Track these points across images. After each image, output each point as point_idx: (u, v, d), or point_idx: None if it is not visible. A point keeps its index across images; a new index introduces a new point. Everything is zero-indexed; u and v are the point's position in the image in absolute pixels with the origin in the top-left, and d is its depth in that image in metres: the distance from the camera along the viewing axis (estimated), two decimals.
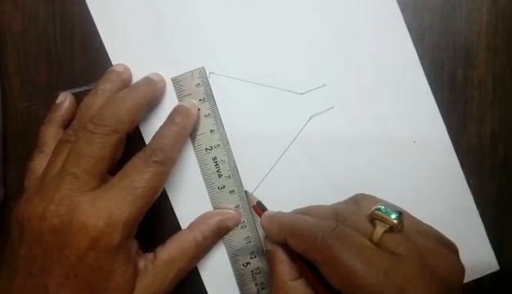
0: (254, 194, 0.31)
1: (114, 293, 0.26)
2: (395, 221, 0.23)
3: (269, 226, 0.28)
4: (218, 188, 0.31)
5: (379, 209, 0.24)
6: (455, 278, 0.23)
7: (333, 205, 0.28)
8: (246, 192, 0.31)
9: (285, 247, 0.27)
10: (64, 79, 0.32)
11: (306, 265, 0.25)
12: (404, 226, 0.24)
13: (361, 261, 0.22)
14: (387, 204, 0.24)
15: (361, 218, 0.25)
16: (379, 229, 0.23)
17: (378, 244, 0.23)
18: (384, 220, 0.23)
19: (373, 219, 0.24)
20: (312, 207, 0.29)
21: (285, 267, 0.26)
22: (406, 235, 0.24)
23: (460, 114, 0.32)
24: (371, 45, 0.31)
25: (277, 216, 0.28)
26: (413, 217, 0.25)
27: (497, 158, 0.32)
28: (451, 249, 0.24)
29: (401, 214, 0.24)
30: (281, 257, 0.27)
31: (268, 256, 0.28)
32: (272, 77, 0.31)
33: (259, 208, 0.30)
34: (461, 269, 0.23)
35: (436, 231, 0.25)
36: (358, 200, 0.27)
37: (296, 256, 0.26)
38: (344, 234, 0.23)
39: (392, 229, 0.23)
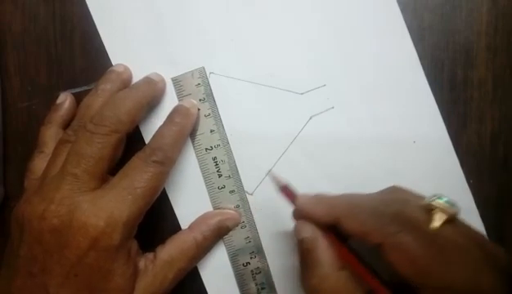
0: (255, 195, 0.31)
1: (114, 293, 0.26)
2: (455, 211, 0.23)
3: (315, 206, 0.26)
4: (218, 188, 0.31)
5: (436, 199, 0.24)
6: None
7: (371, 194, 0.26)
8: (271, 172, 0.29)
9: (328, 235, 0.25)
10: (64, 79, 0.32)
11: (353, 254, 0.24)
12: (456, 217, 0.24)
13: (425, 246, 0.22)
14: (439, 194, 0.24)
15: (415, 208, 0.24)
16: (439, 219, 0.23)
17: (436, 233, 0.23)
18: (443, 211, 0.23)
19: (430, 209, 0.24)
20: (350, 194, 0.27)
21: (329, 256, 0.24)
22: (462, 226, 0.24)
23: (460, 114, 0.32)
24: (371, 45, 0.31)
25: (322, 197, 0.26)
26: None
27: (497, 158, 0.32)
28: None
29: (456, 204, 0.24)
30: (325, 245, 0.25)
31: (305, 246, 0.25)
32: (272, 77, 0.31)
33: (287, 191, 0.28)
34: None
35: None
36: (400, 192, 0.26)
37: (341, 245, 0.24)
38: (412, 220, 0.23)
39: (450, 220, 0.23)
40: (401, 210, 0.24)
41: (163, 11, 0.31)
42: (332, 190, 0.31)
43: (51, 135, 0.30)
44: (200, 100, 0.31)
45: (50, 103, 0.31)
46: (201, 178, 0.31)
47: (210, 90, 0.31)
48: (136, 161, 0.27)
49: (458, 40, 0.32)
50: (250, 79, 0.31)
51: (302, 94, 0.31)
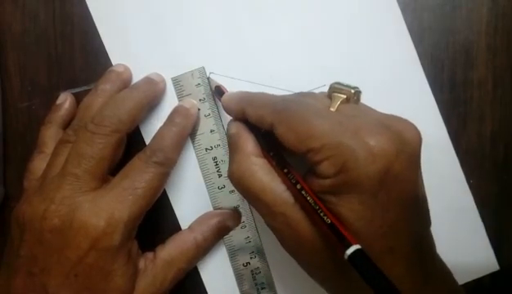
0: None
1: (114, 293, 0.26)
2: (352, 91, 0.24)
3: (228, 101, 0.27)
4: (218, 188, 0.31)
5: (337, 82, 0.25)
6: (411, 134, 0.23)
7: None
8: (208, 78, 0.31)
9: (252, 130, 0.26)
10: (64, 79, 0.32)
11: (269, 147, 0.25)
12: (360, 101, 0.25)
13: (317, 116, 0.22)
14: (346, 82, 0.25)
15: (320, 95, 0.25)
16: (336, 99, 0.24)
17: (337, 111, 0.23)
18: (340, 92, 0.24)
19: (331, 93, 0.24)
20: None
21: (249, 144, 0.25)
22: (363, 105, 0.25)
23: (460, 114, 0.32)
24: (371, 45, 0.31)
25: (238, 92, 0.28)
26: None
27: (497, 158, 0.32)
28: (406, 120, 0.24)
29: (357, 87, 0.24)
30: (246, 135, 0.25)
31: (231, 138, 0.26)
32: (272, 78, 0.31)
33: (220, 92, 0.29)
34: (417, 130, 0.23)
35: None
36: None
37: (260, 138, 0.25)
38: (304, 100, 0.24)
39: (348, 99, 0.24)
40: (300, 95, 0.25)
41: (163, 11, 0.31)
42: None
43: (51, 135, 0.30)
44: (200, 100, 0.31)
45: (50, 103, 0.31)
46: (201, 178, 0.31)
47: (210, 90, 0.31)
48: (136, 161, 0.27)
49: (458, 40, 0.32)
50: (250, 79, 0.31)
51: None
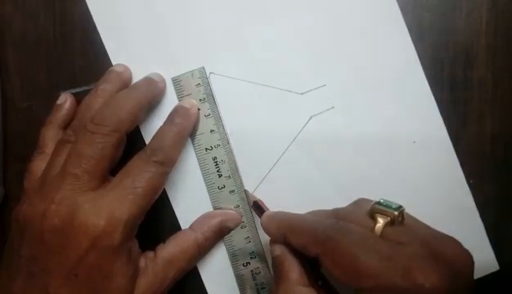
0: (254, 194, 0.31)
1: (114, 293, 0.26)
2: (396, 213, 0.23)
3: (268, 224, 0.27)
4: (218, 188, 0.31)
5: (378, 203, 0.24)
6: (463, 264, 0.22)
7: (333, 209, 0.28)
8: (246, 191, 0.31)
9: (296, 254, 0.26)
10: (64, 79, 0.32)
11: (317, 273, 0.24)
12: (405, 220, 0.24)
13: (364, 249, 0.21)
14: (386, 199, 0.24)
15: (361, 215, 0.24)
16: (380, 222, 0.23)
17: (381, 236, 0.23)
18: (384, 213, 0.23)
19: (373, 214, 0.24)
20: (312, 211, 0.28)
21: (295, 272, 0.25)
22: (408, 227, 0.23)
23: (460, 114, 0.32)
24: (371, 45, 0.31)
25: (277, 214, 0.28)
26: (413, 216, 0.25)
27: (497, 158, 0.32)
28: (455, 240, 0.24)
29: (401, 206, 0.23)
30: (291, 261, 0.25)
31: (276, 262, 0.26)
32: (272, 78, 0.31)
33: (258, 207, 0.30)
34: (469, 256, 0.22)
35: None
36: (358, 202, 0.26)
37: (306, 263, 0.25)
38: (346, 227, 0.23)
39: (393, 221, 0.23)
40: (341, 221, 0.24)
41: (163, 10, 0.31)
42: (332, 190, 0.31)
43: (51, 135, 0.30)
44: (200, 100, 0.31)
45: (50, 103, 0.31)
46: (201, 178, 0.31)
47: (210, 90, 0.31)
48: (136, 161, 0.27)
49: (458, 40, 0.32)
50: (250, 79, 0.31)
51: (302, 94, 0.31)
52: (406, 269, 0.21)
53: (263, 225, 0.28)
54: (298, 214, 0.27)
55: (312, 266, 0.24)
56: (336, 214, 0.26)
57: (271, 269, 0.32)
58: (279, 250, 0.26)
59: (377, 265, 0.21)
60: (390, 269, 0.21)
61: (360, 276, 0.21)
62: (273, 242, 0.27)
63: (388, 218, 0.23)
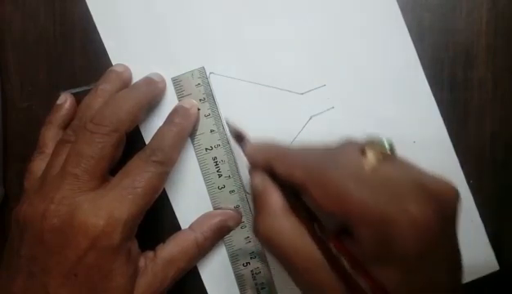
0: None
1: (114, 293, 0.26)
2: (386, 146, 0.23)
3: (254, 152, 0.26)
4: (218, 188, 0.31)
5: (370, 139, 0.24)
6: (450, 197, 0.22)
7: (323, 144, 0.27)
8: (227, 120, 0.30)
9: (277, 183, 0.25)
10: (64, 79, 0.32)
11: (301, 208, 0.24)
12: (396, 158, 0.24)
13: (353, 179, 0.21)
14: (375, 135, 0.24)
15: (353, 150, 0.23)
16: (372, 157, 0.23)
17: (372, 172, 0.22)
18: (374, 148, 0.23)
19: (364, 149, 0.23)
20: (301, 144, 0.27)
21: (277, 201, 0.24)
22: (399, 162, 0.23)
23: (460, 114, 0.32)
24: (371, 45, 0.31)
25: (264, 143, 0.27)
26: (403, 157, 0.25)
27: (497, 158, 0.32)
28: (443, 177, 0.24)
29: (391, 142, 0.23)
30: (273, 189, 0.24)
31: (256, 191, 0.25)
32: (272, 78, 0.31)
33: (239, 136, 0.29)
34: (456, 191, 0.22)
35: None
36: (349, 139, 0.26)
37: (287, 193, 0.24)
38: (336, 157, 0.23)
39: (384, 157, 0.23)
40: (331, 154, 0.24)
41: (163, 10, 0.31)
42: None
43: (51, 135, 0.30)
44: (200, 100, 0.31)
45: (50, 103, 0.31)
46: (201, 178, 0.31)
47: (210, 90, 0.31)
48: (136, 161, 0.27)
49: (458, 40, 0.32)
50: (250, 79, 0.31)
51: (302, 94, 0.31)
52: (396, 198, 0.21)
53: (248, 155, 0.27)
54: (285, 144, 0.26)
55: (293, 194, 0.24)
56: (326, 148, 0.25)
57: (271, 269, 0.32)
58: (260, 178, 0.25)
59: (366, 194, 0.21)
60: (379, 198, 0.21)
61: (348, 204, 0.21)
62: (253, 170, 0.26)
63: (379, 152, 0.23)
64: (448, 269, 0.22)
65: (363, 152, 0.23)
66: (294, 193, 0.24)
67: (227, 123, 0.30)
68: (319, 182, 0.22)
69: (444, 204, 0.21)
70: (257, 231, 0.24)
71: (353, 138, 0.25)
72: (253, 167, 0.27)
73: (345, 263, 0.21)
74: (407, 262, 0.20)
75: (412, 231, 0.20)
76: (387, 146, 0.23)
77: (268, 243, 0.23)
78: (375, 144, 0.23)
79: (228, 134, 0.31)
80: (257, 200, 0.25)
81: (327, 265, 0.22)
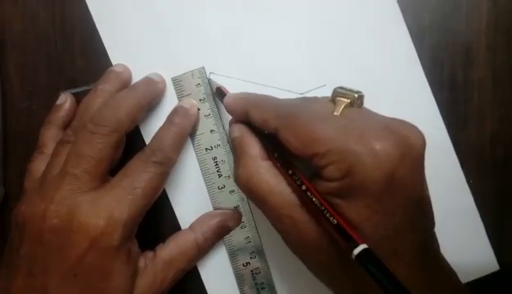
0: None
1: (114, 293, 0.26)
2: (355, 95, 0.24)
3: (232, 102, 0.28)
4: (218, 188, 0.31)
5: (340, 87, 0.25)
6: (415, 138, 0.23)
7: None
8: (209, 80, 0.31)
9: (254, 132, 0.26)
10: (64, 79, 0.32)
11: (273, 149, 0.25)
12: (364, 106, 0.25)
13: (321, 120, 0.23)
14: (347, 86, 0.25)
15: (324, 99, 0.25)
16: (340, 103, 0.24)
17: (341, 116, 0.24)
18: (345, 96, 0.24)
19: (335, 98, 0.25)
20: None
21: (255, 148, 0.25)
22: (366, 109, 0.25)
23: (460, 114, 0.32)
24: (371, 45, 0.31)
25: (241, 93, 0.28)
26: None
27: (497, 158, 0.32)
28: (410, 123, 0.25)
29: (360, 91, 0.25)
30: (250, 138, 0.26)
31: (236, 141, 0.27)
32: (272, 78, 0.31)
33: (221, 93, 0.29)
34: (421, 134, 0.23)
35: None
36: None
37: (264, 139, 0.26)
38: (308, 105, 0.24)
39: (352, 104, 0.24)
40: (303, 100, 0.25)
41: (163, 11, 0.31)
42: None
43: (51, 136, 0.30)
44: (200, 100, 0.31)
45: (50, 103, 0.31)
46: (201, 178, 0.31)
47: (210, 90, 0.31)
48: (136, 161, 0.27)
49: (458, 40, 0.32)
50: (250, 79, 0.31)
51: (302, 94, 0.31)
52: (361, 135, 0.22)
53: (226, 106, 0.28)
54: (262, 94, 0.28)
55: (270, 143, 0.25)
56: (302, 98, 0.27)
57: (271, 269, 0.32)
58: (238, 130, 0.27)
59: (332, 132, 0.22)
60: (345, 135, 0.22)
61: (314, 142, 0.22)
62: (233, 123, 0.28)
63: (348, 100, 0.24)
64: (417, 216, 0.22)
65: (334, 100, 0.25)
66: (271, 141, 0.25)
67: (209, 80, 0.31)
68: (290, 126, 0.23)
69: (410, 147, 0.22)
70: (237, 178, 0.25)
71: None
72: (233, 116, 0.28)
73: (317, 204, 0.22)
74: (371, 197, 0.21)
75: (375, 165, 0.21)
76: (356, 95, 0.24)
77: (248, 189, 0.25)
78: (344, 91, 0.25)
79: (228, 134, 0.31)
80: (236, 149, 0.26)
81: (301, 206, 0.23)
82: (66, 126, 0.30)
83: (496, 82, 0.32)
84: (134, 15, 0.31)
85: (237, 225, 0.31)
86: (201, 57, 0.31)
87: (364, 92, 0.31)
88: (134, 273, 0.27)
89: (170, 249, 0.29)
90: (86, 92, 0.30)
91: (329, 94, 0.31)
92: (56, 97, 0.31)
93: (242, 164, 0.25)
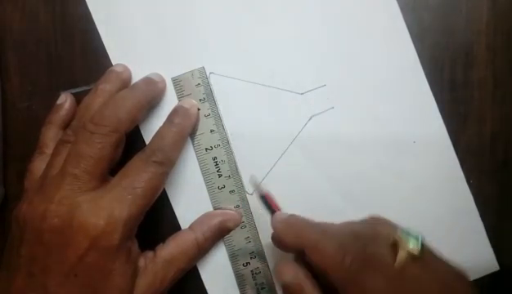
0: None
1: (114, 293, 0.26)
2: (417, 248, 0.23)
3: (285, 232, 0.27)
4: (218, 188, 0.31)
5: (400, 235, 0.24)
6: None
7: (346, 224, 0.27)
8: (252, 176, 0.30)
9: (313, 277, 0.25)
10: (64, 79, 0.32)
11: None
12: (424, 253, 0.24)
13: (388, 288, 0.22)
14: (407, 230, 0.24)
15: (383, 244, 0.24)
16: (402, 256, 0.23)
17: (401, 271, 0.23)
18: (406, 248, 0.23)
19: (394, 245, 0.24)
20: (324, 223, 0.27)
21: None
22: (428, 262, 0.24)
23: (460, 114, 0.32)
24: (371, 45, 0.31)
25: (293, 222, 0.27)
26: (430, 246, 0.25)
27: (497, 158, 0.32)
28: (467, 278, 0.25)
29: (422, 240, 0.24)
30: (308, 287, 0.24)
31: (289, 289, 0.25)
32: (272, 78, 0.31)
33: (266, 202, 0.29)
34: (472, 288, 0.24)
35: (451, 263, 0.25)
36: (375, 225, 0.26)
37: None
38: (372, 259, 0.23)
39: (414, 258, 0.23)
40: (367, 246, 0.24)
41: (163, 10, 0.31)
42: (332, 190, 0.31)
43: (51, 136, 0.30)
44: (200, 100, 0.31)
45: (50, 103, 0.31)
46: (201, 178, 0.31)
47: (210, 90, 0.31)
48: (136, 161, 0.27)
49: (458, 40, 0.32)
50: (250, 79, 0.31)
51: (302, 94, 0.31)
52: None
53: (277, 231, 0.27)
54: (317, 226, 0.26)
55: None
56: (354, 235, 0.25)
57: (271, 269, 0.32)
58: (293, 273, 0.25)
59: None
60: None
61: None
62: (283, 263, 0.26)
63: (410, 253, 0.23)
64: None
65: (394, 246, 0.24)
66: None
67: (254, 181, 0.30)
68: (355, 285, 0.23)
69: None
70: None
71: (380, 222, 0.26)
72: (277, 245, 0.27)
73: None
74: None
75: None
76: (419, 245, 0.24)
77: None
78: (407, 239, 0.24)
79: (228, 134, 0.31)
80: None
81: None
82: (66, 126, 0.30)
83: (496, 82, 0.32)
84: (134, 15, 0.31)
85: (237, 225, 0.31)
86: (201, 57, 0.31)
87: (364, 92, 0.31)
88: (134, 273, 0.27)
89: (170, 249, 0.29)
90: (86, 92, 0.30)
91: (329, 94, 0.31)
92: (56, 97, 0.31)
93: None
